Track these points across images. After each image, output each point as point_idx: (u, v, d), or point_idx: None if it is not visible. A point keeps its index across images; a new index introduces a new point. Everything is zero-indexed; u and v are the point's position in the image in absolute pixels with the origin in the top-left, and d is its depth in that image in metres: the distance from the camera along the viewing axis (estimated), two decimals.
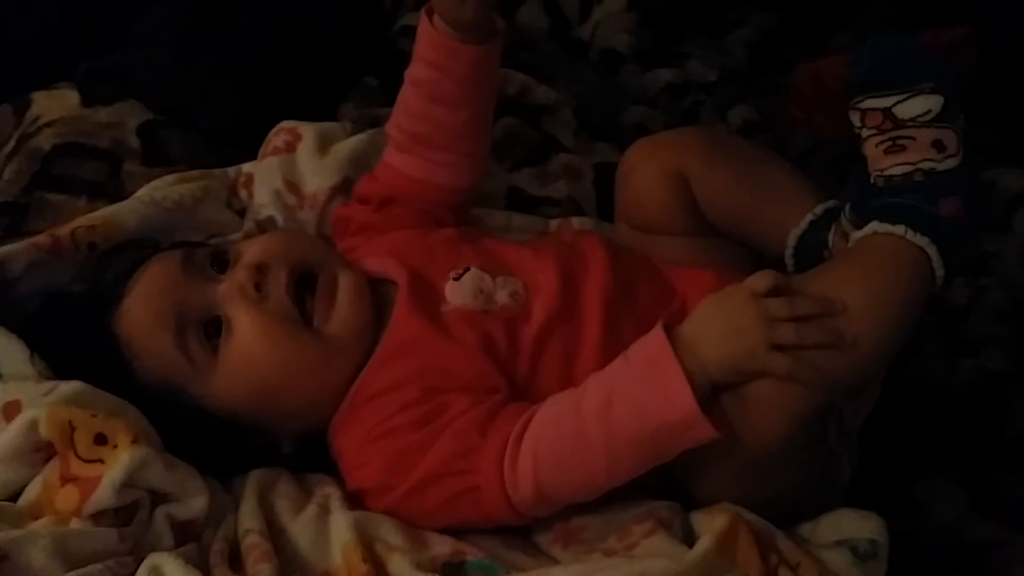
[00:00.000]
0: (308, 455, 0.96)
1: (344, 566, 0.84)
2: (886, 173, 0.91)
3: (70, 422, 0.84)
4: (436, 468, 0.88)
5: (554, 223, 1.22)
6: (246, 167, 1.23)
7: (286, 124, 1.23)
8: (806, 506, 0.94)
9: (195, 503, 0.86)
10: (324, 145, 1.20)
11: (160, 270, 0.96)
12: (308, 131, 1.21)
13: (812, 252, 1.00)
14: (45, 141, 1.27)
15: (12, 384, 0.90)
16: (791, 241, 1.01)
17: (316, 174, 1.17)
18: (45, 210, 1.21)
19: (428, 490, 0.88)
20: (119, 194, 1.21)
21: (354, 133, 1.23)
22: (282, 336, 0.92)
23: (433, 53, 1.01)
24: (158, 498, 0.86)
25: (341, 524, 0.86)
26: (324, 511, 0.89)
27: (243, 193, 1.22)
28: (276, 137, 1.22)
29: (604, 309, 0.95)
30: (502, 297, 0.96)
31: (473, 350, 0.92)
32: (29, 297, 1.02)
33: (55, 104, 1.31)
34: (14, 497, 0.87)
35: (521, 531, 0.93)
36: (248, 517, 0.87)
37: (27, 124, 1.30)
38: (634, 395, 0.83)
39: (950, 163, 0.88)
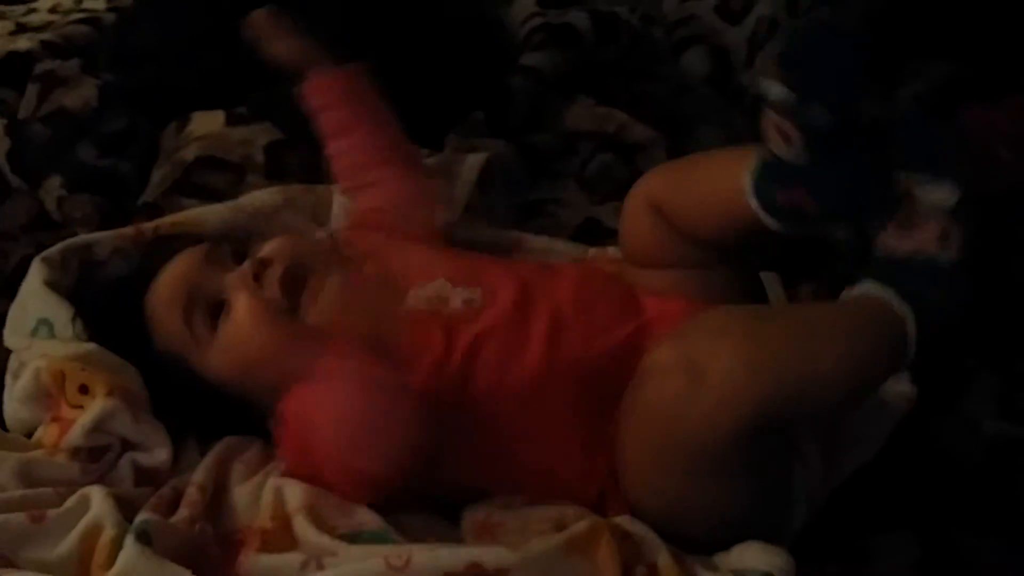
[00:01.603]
0: None
1: (257, 521, 0.95)
2: (890, 244, 0.93)
3: (63, 373, 1.01)
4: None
5: (592, 251, 1.28)
6: None
7: None
8: (744, 538, 0.95)
9: (158, 454, 1.01)
10: None
11: (185, 259, 1.12)
12: None
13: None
14: (190, 153, 1.48)
15: (49, 342, 1.08)
16: (747, 187, 0.99)
17: None
18: (177, 212, 1.40)
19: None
20: None
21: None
22: (267, 319, 1.05)
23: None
24: (128, 446, 1.01)
25: (268, 490, 0.98)
26: (267, 478, 1.00)
27: None
28: None
29: (550, 324, 1.01)
30: (456, 303, 1.04)
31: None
32: (111, 278, 1.21)
33: (205, 122, 1.53)
34: (33, 432, 1.05)
35: (454, 519, 1.00)
36: (199, 472, 1.00)
37: (182, 138, 1.52)
38: None
39: (947, 256, 0.91)
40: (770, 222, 0.97)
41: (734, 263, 1.09)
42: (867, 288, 0.93)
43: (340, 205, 1.32)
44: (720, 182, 1.01)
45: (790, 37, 0.95)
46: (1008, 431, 1.12)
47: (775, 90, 0.91)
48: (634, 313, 1.04)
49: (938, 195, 0.91)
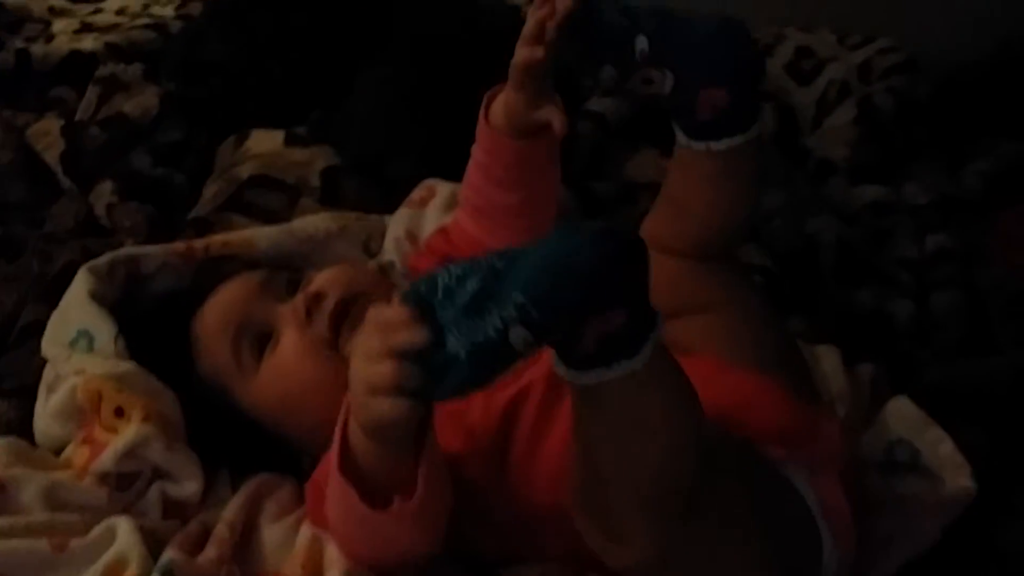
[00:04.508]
0: None
1: (287, 569, 0.91)
2: None
3: (99, 393, 0.98)
4: (320, 471, 0.94)
5: None
6: None
7: (428, 181, 1.34)
8: None
9: (189, 485, 0.98)
10: (452, 203, 1.30)
11: (238, 285, 1.09)
12: (443, 189, 1.32)
13: None
14: (245, 171, 1.46)
15: (86, 356, 1.05)
16: (682, 140, 1.00)
17: (434, 227, 1.27)
18: (228, 229, 1.38)
19: (312, 494, 0.95)
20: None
21: None
22: (312, 357, 1.02)
23: (485, 141, 1.09)
24: (159, 474, 0.98)
25: (303, 535, 0.94)
26: (299, 521, 0.97)
27: None
28: (416, 192, 1.33)
29: (547, 377, 0.96)
30: None
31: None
32: (157, 293, 1.19)
33: (264, 140, 1.50)
34: (62, 448, 1.02)
35: None
36: (230, 509, 0.97)
37: (240, 154, 1.50)
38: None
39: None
40: (717, 146, 0.96)
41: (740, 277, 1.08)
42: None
43: (392, 237, 1.29)
44: (673, 169, 1.03)
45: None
46: None
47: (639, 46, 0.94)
48: None
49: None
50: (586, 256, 0.69)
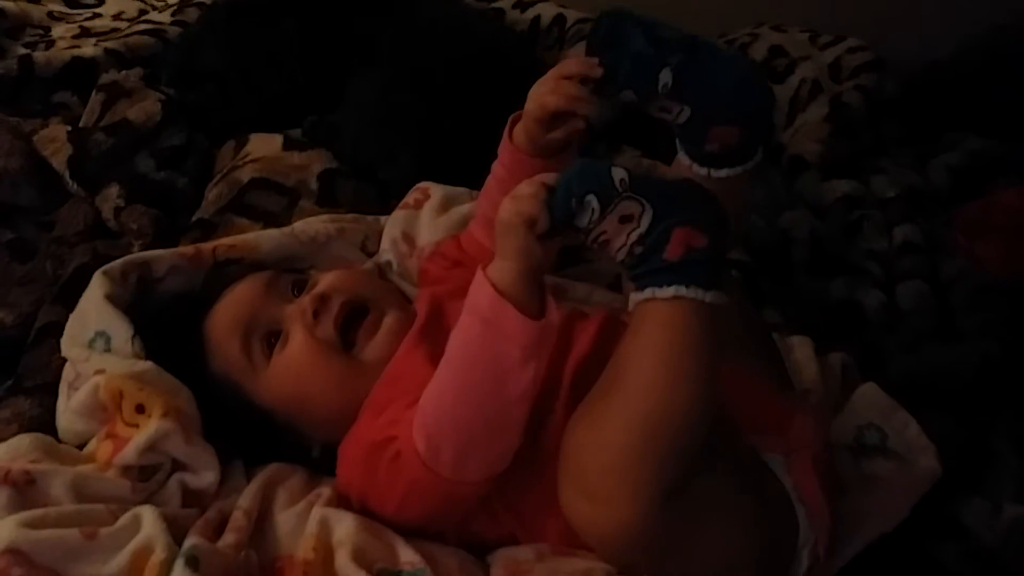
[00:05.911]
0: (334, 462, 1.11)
1: (300, 551, 0.98)
2: (618, 259, 0.93)
3: (121, 391, 1.04)
4: (374, 437, 1.00)
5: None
6: None
7: (422, 184, 1.40)
8: None
9: (206, 476, 1.05)
10: (446, 206, 1.36)
11: (247, 286, 1.15)
12: (437, 192, 1.38)
13: None
14: (245, 174, 1.52)
15: (107, 356, 1.12)
16: (686, 161, 1.07)
17: (429, 230, 1.34)
18: (230, 230, 1.44)
19: (369, 463, 1.00)
20: (287, 225, 1.42)
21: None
22: (319, 356, 1.09)
23: (507, 159, 1.14)
24: (178, 466, 1.05)
25: (314, 517, 1.01)
26: (310, 506, 1.04)
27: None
28: (411, 194, 1.40)
29: (573, 373, 1.04)
30: None
31: None
32: (167, 295, 1.25)
33: (263, 145, 1.57)
34: (84, 443, 1.09)
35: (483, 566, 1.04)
36: (245, 497, 1.04)
37: (239, 158, 1.56)
38: (463, 317, 0.94)
39: (646, 220, 0.89)
40: (717, 174, 1.03)
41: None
42: (634, 301, 0.92)
43: (389, 238, 1.36)
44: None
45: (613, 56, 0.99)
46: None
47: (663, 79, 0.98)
48: None
49: (580, 220, 0.90)
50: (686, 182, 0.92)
